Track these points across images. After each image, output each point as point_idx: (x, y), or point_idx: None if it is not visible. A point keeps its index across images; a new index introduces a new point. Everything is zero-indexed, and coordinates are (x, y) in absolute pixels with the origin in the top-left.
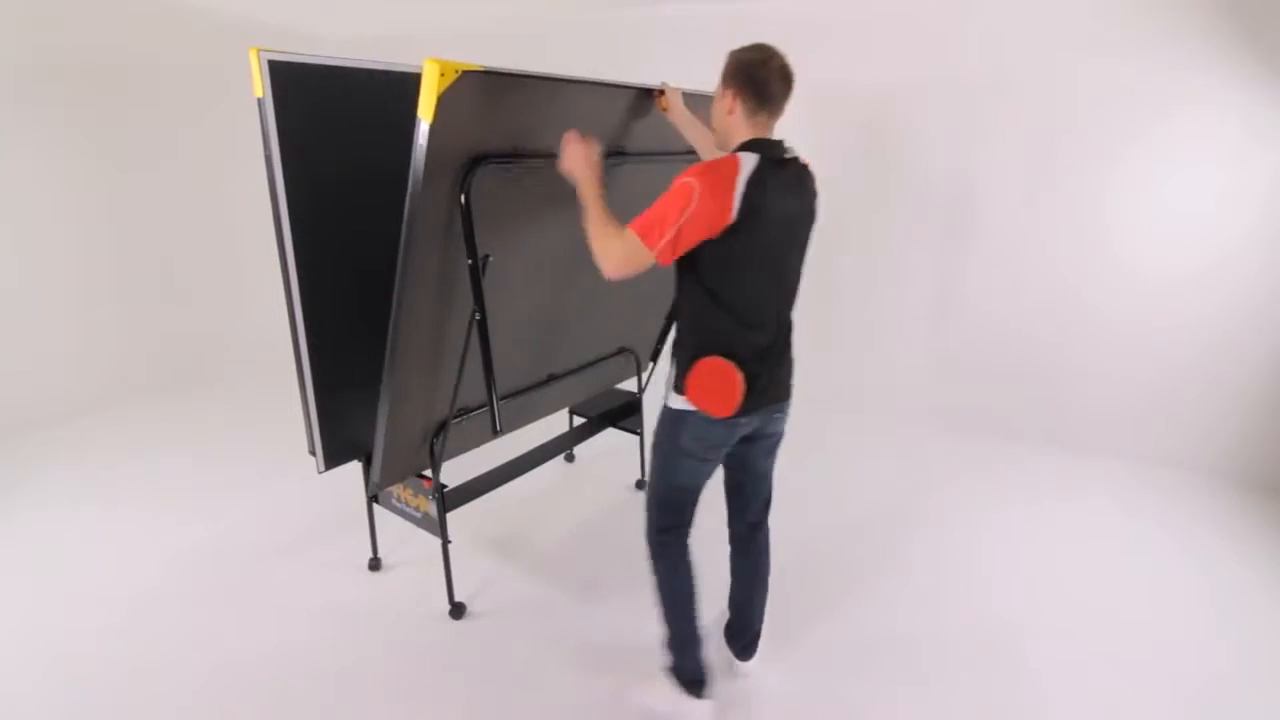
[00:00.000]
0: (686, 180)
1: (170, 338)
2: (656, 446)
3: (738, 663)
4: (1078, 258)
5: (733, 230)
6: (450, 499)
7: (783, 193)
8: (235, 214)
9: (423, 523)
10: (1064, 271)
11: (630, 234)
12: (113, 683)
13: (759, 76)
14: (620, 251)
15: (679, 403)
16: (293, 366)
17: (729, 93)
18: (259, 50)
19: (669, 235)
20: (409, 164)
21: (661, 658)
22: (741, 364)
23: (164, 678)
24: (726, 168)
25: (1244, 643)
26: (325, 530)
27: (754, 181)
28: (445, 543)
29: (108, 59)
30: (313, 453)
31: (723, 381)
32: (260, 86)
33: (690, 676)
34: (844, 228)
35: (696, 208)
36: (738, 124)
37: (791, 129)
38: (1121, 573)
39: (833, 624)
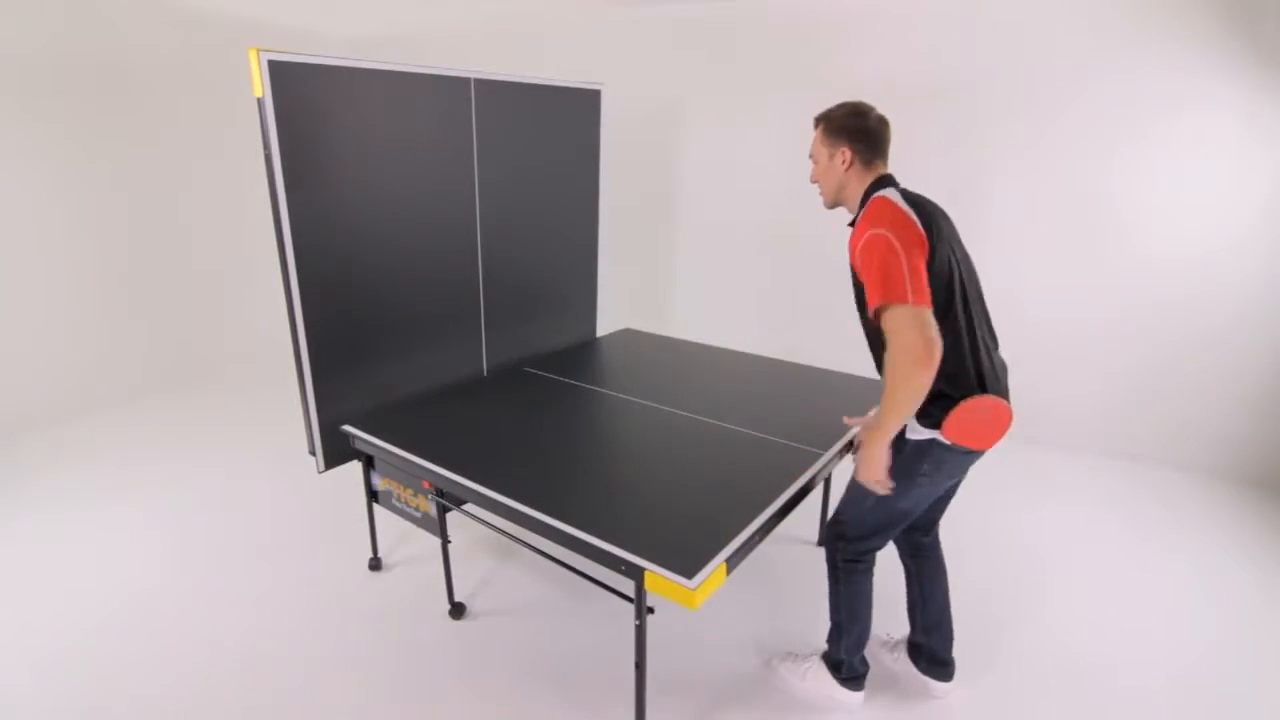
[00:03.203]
0: (873, 234)
1: (169, 338)
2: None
3: (934, 684)
4: (1075, 257)
5: (932, 252)
6: (449, 499)
7: (933, 207)
8: (235, 213)
9: (422, 523)
10: (1062, 271)
11: (891, 315)
12: (111, 682)
13: (868, 128)
14: (907, 345)
15: (921, 434)
16: (292, 366)
17: (842, 149)
18: (259, 50)
19: (909, 278)
20: (408, 165)
21: (830, 652)
22: (987, 387)
23: (162, 677)
24: (884, 204)
25: (1241, 641)
26: (325, 530)
27: (910, 201)
28: (445, 543)
29: (106, 59)
30: (313, 453)
31: (993, 418)
32: (260, 86)
33: (854, 673)
34: (842, 227)
35: (903, 244)
36: (856, 174)
37: (791, 127)
38: (1118, 572)
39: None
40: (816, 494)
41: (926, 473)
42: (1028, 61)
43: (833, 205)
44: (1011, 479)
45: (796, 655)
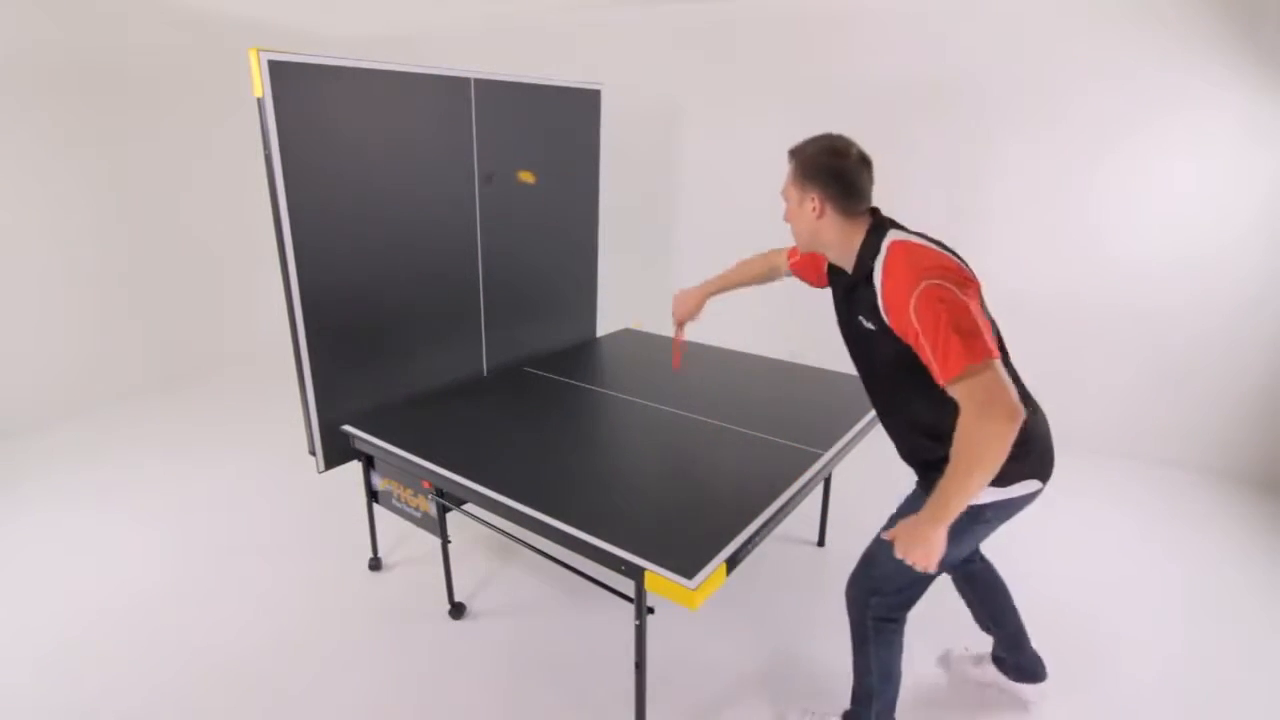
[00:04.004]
0: (929, 286)
1: (169, 337)
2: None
3: (1027, 688)
4: (1076, 257)
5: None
6: (449, 499)
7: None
8: (235, 213)
9: (422, 523)
10: (1062, 271)
11: (978, 377)
12: (112, 681)
13: (843, 169)
14: (1002, 407)
15: (991, 496)
16: (292, 366)
17: (813, 195)
18: (259, 50)
19: (984, 330)
20: (408, 165)
21: (857, 716)
22: (1031, 426)
23: (162, 677)
24: (914, 249)
25: (1242, 641)
26: (325, 530)
27: (933, 242)
28: (445, 543)
29: (106, 58)
30: (313, 453)
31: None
32: (260, 86)
33: None
34: None
35: (964, 291)
36: (830, 223)
37: (789, 127)
38: (1119, 570)
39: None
40: (816, 494)
41: (989, 520)
42: (1028, 62)
43: (808, 250)
44: None
45: (814, 713)
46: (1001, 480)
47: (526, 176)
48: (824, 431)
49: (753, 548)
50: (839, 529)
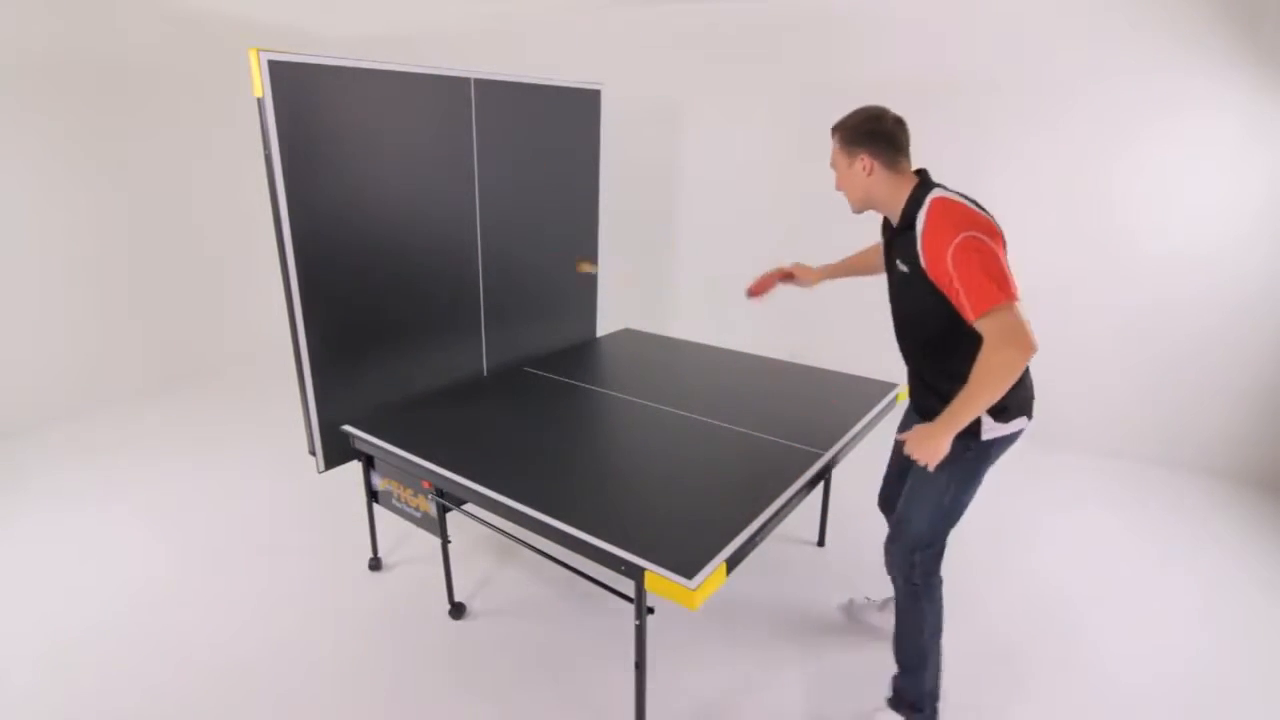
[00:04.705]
0: (965, 238)
1: (169, 338)
2: (950, 483)
3: None
4: (1075, 258)
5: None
6: (449, 499)
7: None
8: (235, 213)
9: (422, 523)
10: (1062, 271)
11: (1001, 313)
12: (112, 682)
13: (884, 131)
14: (1019, 340)
15: (997, 430)
16: (292, 366)
17: (862, 156)
18: (259, 50)
19: (1010, 275)
20: (408, 165)
21: (908, 689)
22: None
23: (162, 677)
24: (953, 205)
25: (1245, 641)
26: (325, 530)
27: (969, 200)
28: (445, 543)
29: (106, 59)
30: (313, 453)
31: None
32: (260, 86)
33: (933, 701)
34: (841, 226)
35: (994, 241)
36: (883, 179)
37: (790, 127)
38: (1120, 571)
39: None
40: (817, 493)
41: (993, 456)
42: (1029, 62)
43: (862, 210)
44: (1014, 479)
45: (869, 597)
46: (1004, 416)
47: (585, 267)
48: (824, 431)
49: (753, 548)
50: (839, 529)
